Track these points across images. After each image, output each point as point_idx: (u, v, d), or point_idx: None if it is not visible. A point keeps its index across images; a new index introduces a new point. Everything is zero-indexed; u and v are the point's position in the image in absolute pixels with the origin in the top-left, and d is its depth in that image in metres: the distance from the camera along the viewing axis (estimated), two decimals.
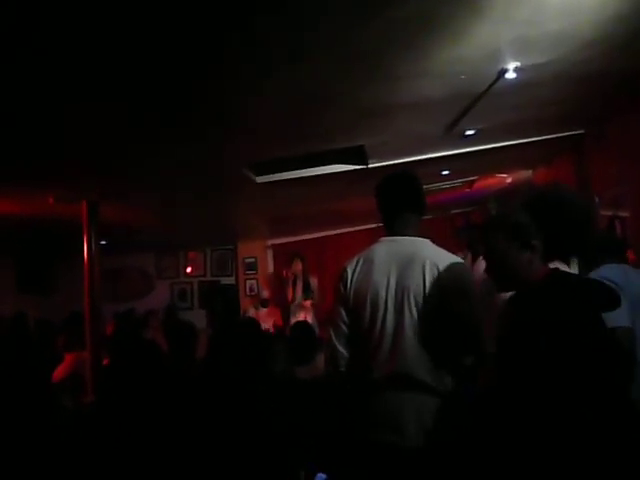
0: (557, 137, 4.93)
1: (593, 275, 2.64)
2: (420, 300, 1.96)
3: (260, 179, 4.94)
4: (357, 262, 2.14)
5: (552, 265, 1.68)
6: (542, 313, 1.52)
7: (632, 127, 4.01)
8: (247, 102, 3.26)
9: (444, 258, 2.03)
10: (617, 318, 2.48)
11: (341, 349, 2.12)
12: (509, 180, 7.06)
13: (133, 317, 6.81)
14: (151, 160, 4.16)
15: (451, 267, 1.99)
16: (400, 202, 2.16)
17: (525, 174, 6.70)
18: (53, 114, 3.12)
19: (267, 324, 7.55)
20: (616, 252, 2.81)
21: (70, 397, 3.78)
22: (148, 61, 2.59)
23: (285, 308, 7.84)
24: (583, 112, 4.31)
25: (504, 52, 2.96)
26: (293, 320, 7.05)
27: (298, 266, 7.52)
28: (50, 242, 7.57)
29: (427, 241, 2.13)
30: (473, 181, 6.90)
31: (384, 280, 2.03)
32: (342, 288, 2.14)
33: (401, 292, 1.99)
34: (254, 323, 4.81)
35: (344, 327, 2.12)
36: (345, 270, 2.15)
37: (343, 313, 2.13)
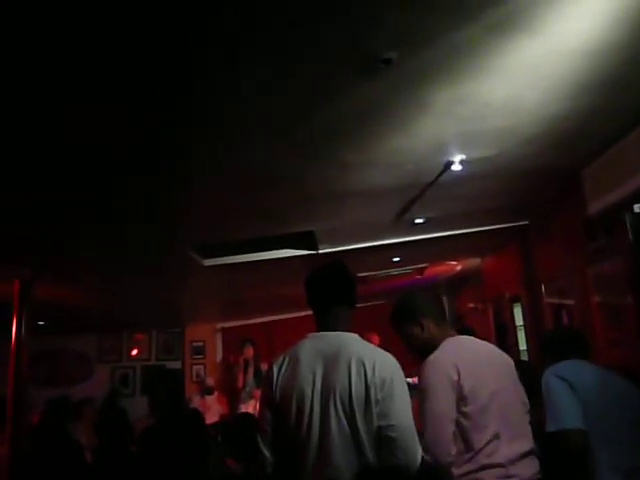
0: (504, 227, 5.05)
1: (548, 371, 2.62)
2: (346, 400, 1.85)
3: (207, 262, 4.81)
4: (283, 360, 2.02)
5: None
6: None
7: (572, 221, 4.14)
8: (194, 182, 3.20)
9: (371, 354, 1.94)
10: (568, 419, 2.41)
11: (267, 454, 1.98)
12: (458, 267, 7.16)
13: (66, 406, 6.30)
14: (91, 241, 4.00)
15: (377, 364, 1.89)
16: (329, 295, 2.09)
17: (474, 262, 6.81)
18: None
19: (213, 413, 7.18)
20: (578, 347, 2.79)
21: None
22: (90, 136, 2.52)
23: (233, 396, 7.49)
24: (527, 204, 4.45)
25: (450, 145, 3.04)
26: (244, 408, 6.72)
27: (250, 351, 7.27)
28: None
29: (355, 336, 2.04)
30: (424, 268, 6.95)
31: (310, 379, 1.91)
32: (267, 388, 2.01)
33: (327, 392, 1.88)
34: (197, 417, 4.54)
35: (269, 430, 1.99)
36: (271, 369, 2.04)
37: (268, 415, 1.99)
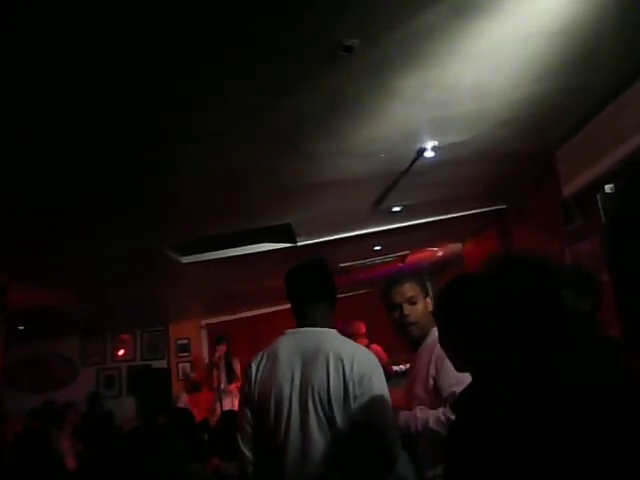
0: (482, 212, 5.04)
1: None
2: (325, 397, 1.84)
3: (186, 259, 4.75)
4: (262, 357, 2.02)
5: None
6: None
7: (548, 203, 4.14)
8: (163, 180, 3.14)
9: (349, 350, 1.93)
10: None
11: (247, 453, 1.96)
12: (440, 253, 7.16)
13: (50, 412, 6.20)
14: (66, 244, 3.92)
15: (356, 360, 1.88)
16: (308, 292, 2.07)
17: (455, 247, 6.82)
18: None
19: (200, 410, 7.12)
20: None
21: None
22: (66, 133, 2.45)
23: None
24: (504, 188, 4.44)
25: (421, 131, 3.01)
26: (223, 407, 6.65)
27: (222, 349, 7.22)
28: None
29: (334, 332, 2.03)
30: (405, 255, 6.94)
31: (288, 376, 1.91)
32: (247, 386, 2.00)
33: (305, 388, 1.87)
34: (186, 417, 4.49)
35: (249, 429, 1.97)
36: (250, 367, 2.02)
37: (248, 414, 1.98)
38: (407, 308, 2.29)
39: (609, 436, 1.11)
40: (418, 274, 2.43)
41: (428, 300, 2.31)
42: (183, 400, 7.58)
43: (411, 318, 2.28)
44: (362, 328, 6.49)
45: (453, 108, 2.74)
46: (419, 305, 2.30)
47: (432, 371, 2.12)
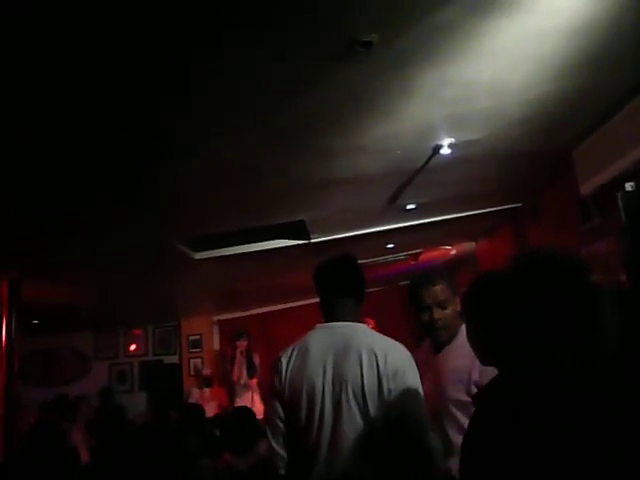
0: (496, 210, 5.01)
1: None
2: (359, 391, 1.82)
3: (199, 255, 4.77)
4: (292, 352, 1.99)
5: None
6: None
7: (564, 202, 4.10)
8: (182, 175, 3.14)
9: (382, 344, 1.91)
10: None
11: (278, 449, 1.93)
12: (453, 252, 7.13)
13: (63, 405, 6.26)
14: (80, 240, 3.96)
15: (389, 354, 1.86)
16: (338, 287, 2.05)
17: (468, 245, 6.78)
18: None
19: (212, 405, 7.16)
20: None
21: None
22: (78, 133, 2.46)
23: (231, 388, 7.48)
24: (518, 187, 4.41)
25: (437, 128, 2.99)
26: (239, 402, 6.69)
27: (243, 344, 7.24)
28: None
29: (364, 326, 2.02)
30: (418, 253, 6.92)
31: (320, 371, 1.88)
32: (277, 381, 1.97)
33: (338, 383, 1.84)
34: (198, 412, 4.51)
35: (281, 424, 1.94)
36: (280, 361, 1.99)
37: (279, 409, 1.95)
38: (438, 312, 2.19)
39: (615, 437, 1.10)
40: (448, 274, 2.30)
41: (457, 302, 2.20)
42: (194, 396, 7.61)
43: (441, 323, 2.19)
44: (370, 323, 6.49)
45: (469, 105, 2.72)
46: (449, 309, 2.20)
47: (475, 377, 2.05)
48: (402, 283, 8.85)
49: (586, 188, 3.59)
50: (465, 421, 1.95)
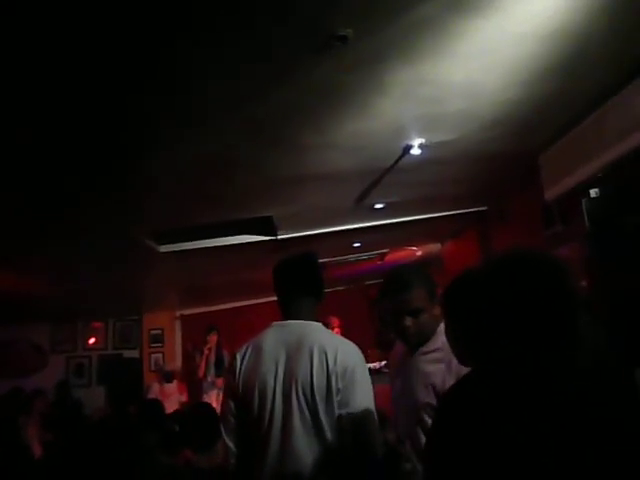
0: (463, 213, 5.07)
1: None
2: (308, 389, 1.83)
3: (164, 248, 4.67)
4: (246, 350, 2.01)
5: None
6: None
7: (529, 206, 4.17)
8: (151, 165, 3.06)
9: (333, 343, 1.92)
10: None
11: (231, 445, 1.95)
12: (419, 253, 7.19)
13: (18, 398, 6.05)
14: (38, 226, 3.82)
15: (339, 352, 1.87)
16: (295, 286, 2.06)
17: (434, 247, 6.85)
18: None
19: (172, 401, 7.04)
20: None
21: None
22: (47, 123, 2.38)
23: (192, 384, 7.37)
24: (485, 190, 4.47)
25: (409, 128, 3.00)
26: (205, 399, 6.57)
27: (214, 339, 7.13)
28: None
29: (319, 325, 2.02)
30: (385, 253, 6.95)
31: (272, 368, 1.90)
32: (231, 378, 1.99)
33: (289, 381, 1.87)
34: (156, 407, 4.42)
35: (233, 420, 1.96)
36: (235, 358, 2.01)
37: (232, 405, 1.97)
38: (409, 320, 2.03)
39: (587, 438, 1.10)
40: (425, 275, 2.11)
41: (435, 305, 2.02)
42: (154, 391, 7.49)
43: (412, 330, 2.04)
44: (335, 321, 6.49)
45: (442, 106, 2.73)
46: (424, 314, 2.03)
47: (450, 383, 1.79)
48: (368, 282, 8.91)
49: (550, 194, 3.66)
50: None
